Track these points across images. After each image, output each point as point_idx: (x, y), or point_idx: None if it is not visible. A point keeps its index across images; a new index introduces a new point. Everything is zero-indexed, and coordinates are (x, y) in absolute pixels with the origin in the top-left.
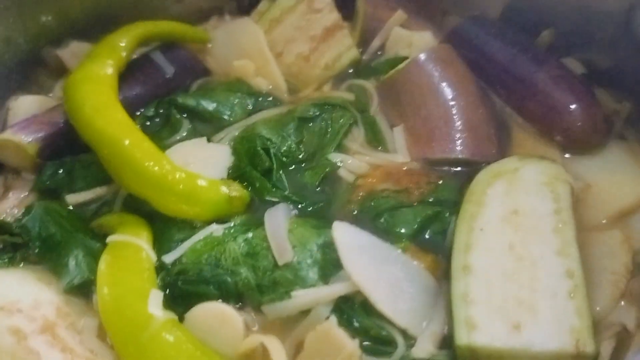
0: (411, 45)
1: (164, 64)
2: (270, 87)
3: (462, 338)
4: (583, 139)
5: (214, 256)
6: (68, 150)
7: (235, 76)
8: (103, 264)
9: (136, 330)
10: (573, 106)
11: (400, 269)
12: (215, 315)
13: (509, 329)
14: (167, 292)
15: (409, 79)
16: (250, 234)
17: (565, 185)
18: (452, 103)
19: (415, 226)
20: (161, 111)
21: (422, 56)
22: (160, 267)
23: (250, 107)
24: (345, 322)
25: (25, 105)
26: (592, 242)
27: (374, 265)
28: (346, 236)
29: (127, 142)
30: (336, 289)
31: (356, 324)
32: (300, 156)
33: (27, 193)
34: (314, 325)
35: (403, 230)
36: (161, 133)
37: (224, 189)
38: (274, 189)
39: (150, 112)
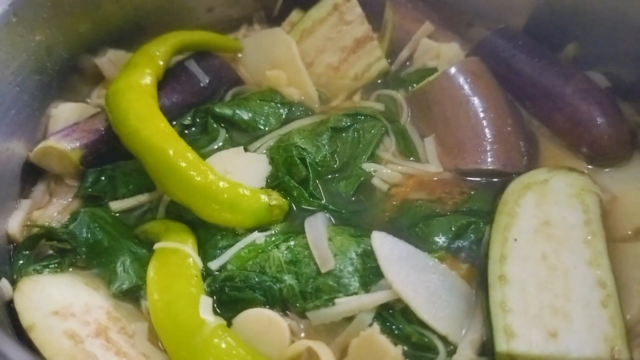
0: (439, 57)
1: (198, 73)
2: (302, 97)
3: (502, 345)
4: (609, 152)
5: (258, 263)
6: (109, 157)
7: (268, 86)
8: (152, 271)
9: (188, 335)
10: (599, 120)
11: (438, 278)
12: (261, 320)
13: (546, 336)
14: (214, 297)
15: (440, 90)
16: (292, 242)
17: (594, 197)
18: (482, 115)
19: (450, 235)
20: (198, 120)
21: (453, 69)
22: (206, 274)
23: (283, 116)
24: (387, 328)
25: (65, 112)
26: (619, 252)
27: (413, 274)
28: (385, 245)
29: (171, 151)
30: (378, 296)
31: (397, 331)
32: (335, 166)
33: (70, 199)
34: (357, 332)
35: (438, 239)
36: (199, 141)
37: (265, 198)
38: (311, 198)
39: (187, 120)
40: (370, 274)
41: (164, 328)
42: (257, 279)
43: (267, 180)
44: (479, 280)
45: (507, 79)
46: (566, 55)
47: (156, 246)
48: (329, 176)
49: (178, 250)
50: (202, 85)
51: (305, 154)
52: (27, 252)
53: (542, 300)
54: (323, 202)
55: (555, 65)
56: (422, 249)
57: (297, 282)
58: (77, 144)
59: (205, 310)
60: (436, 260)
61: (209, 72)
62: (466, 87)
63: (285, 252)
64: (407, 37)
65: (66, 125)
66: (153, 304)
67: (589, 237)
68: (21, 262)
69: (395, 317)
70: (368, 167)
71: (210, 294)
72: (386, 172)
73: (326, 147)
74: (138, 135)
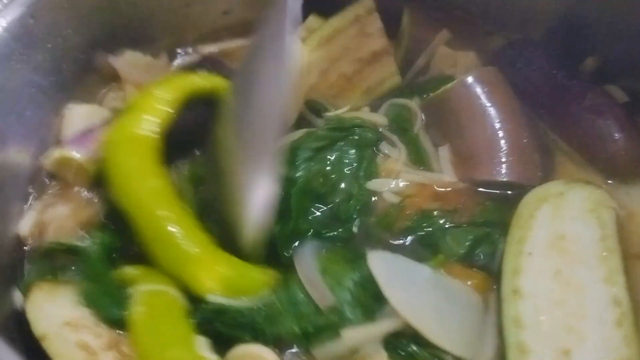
0: (456, 65)
1: None
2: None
3: None
4: (626, 168)
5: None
6: None
7: None
8: (137, 316)
9: None
10: (617, 135)
11: (447, 293)
12: (254, 358)
13: (559, 354)
14: (202, 330)
15: (456, 99)
16: (289, 286)
17: (611, 212)
18: (498, 126)
19: (467, 245)
20: None
21: (470, 77)
22: (192, 306)
23: None
24: (399, 356)
25: (79, 114)
26: (635, 270)
27: (418, 294)
28: (383, 266)
29: (161, 213)
30: (384, 326)
31: (411, 356)
32: (322, 190)
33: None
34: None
35: (453, 251)
36: None
37: (264, 277)
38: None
39: None
40: (373, 300)
41: None
42: (250, 319)
43: None
44: (494, 292)
45: (523, 90)
46: (584, 69)
47: (139, 289)
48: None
49: (163, 292)
50: None
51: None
52: (41, 260)
53: (556, 317)
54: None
55: (573, 78)
56: (434, 260)
57: (298, 323)
58: (93, 154)
59: (204, 349)
60: (442, 272)
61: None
62: (483, 96)
63: (283, 296)
64: (423, 45)
65: (79, 128)
66: (144, 351)
67: (604, 254)
68: (34, 269)
69: (407, 343)
70: (373, 185)
71: (198, 325)
72: (395, 185)
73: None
74: (126, 195)
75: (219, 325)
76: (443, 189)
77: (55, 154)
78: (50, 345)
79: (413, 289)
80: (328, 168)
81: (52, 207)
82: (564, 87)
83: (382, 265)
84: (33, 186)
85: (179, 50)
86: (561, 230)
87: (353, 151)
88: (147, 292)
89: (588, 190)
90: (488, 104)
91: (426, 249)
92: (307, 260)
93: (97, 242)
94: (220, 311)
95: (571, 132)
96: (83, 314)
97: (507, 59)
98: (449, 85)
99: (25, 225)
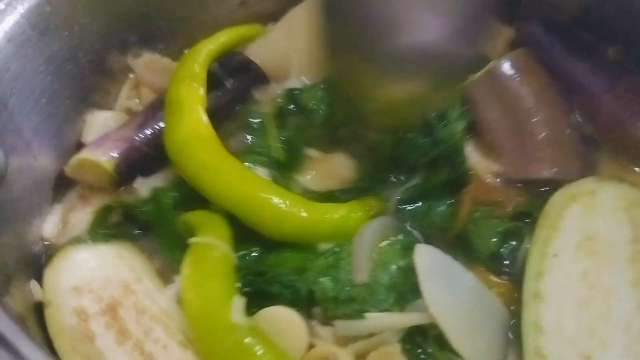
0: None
1: (220, 74)
2: None
3: None
4: None
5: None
6: (142, 164)
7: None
8: (186, 268)
9: (220, 336)
10: None
11: (479, 302)
12: (283, 320)
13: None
14: (243, 288)
15: (485, 88)
16: (338, 248)
17: None
18: (534, 116)
19: (494, 242)
20: None
21: (501, 63)
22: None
23: None
24: (416, 351)
25: (100, 120)
26: None
27: (454, 296)
28: (428, 262)
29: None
30: (411, 318)
31: (425, 356)
32: None
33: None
34: (378, 345)
35: (491, 245)
36: None
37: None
38: None
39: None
40: (410, 291)
41: (196, 327)
42: (290, 277)
43: None
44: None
45: (554, 74)
46: (613, 56)
47: (191, 241)
48: None
49: (213, 246)
50: (227, 86)
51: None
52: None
53: (580, 321)
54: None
55: (604, 65)
56: (467, 256)
57: (334, 286)
58: (110, 154)
59: (237, 312)
60: (479, 282)
61: (230, 71)
62: (514, 84)
63: (330, 257)
64: None
65: (100, 133)
66: (187, 303)
67: (636, 256)
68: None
69: (428, 341)
70: None
71: (240, 283)
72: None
73: None
74: (220, 187)
75: (260, 281)
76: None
77: (74, 158)
78: (49, 313)
79: (450, 290)
80: None
81: (74, 210)
82: (594, 75)
83: (427, 259)
84: (55, 188)
85: None
86: (590, 230)
87: None
88: (198, 244)
89: (621, 189)
90: (520, 92)
91: (466, 243)
92: (367, 235)
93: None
94: (262, 272)
95: (602, 120)
96: (94, 276)
97: (536, 42)
98: (477, 74)
99: (48, 227)
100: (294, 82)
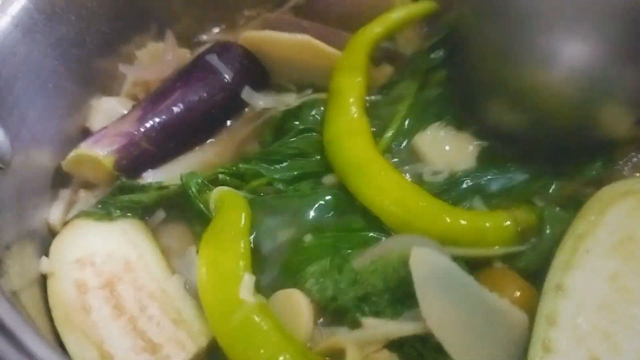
0: None
1: (221, 67)
2: None
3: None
4: None
5: None
6: (141, 160)
7: None
8: (203, 243)
9: (227, 312)
10: None
11: (484, 311)
12: (293, 301)
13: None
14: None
15: None
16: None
17: None
18: None
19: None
20: None
21: None
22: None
23: None
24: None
25: (106, 106)
26: None
27: (454, 307)
28: (426, 267)
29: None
30: (407, 328)
31: None
32: None
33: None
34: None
35: None
36: None
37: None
38: None
39: None
40: (407, 297)
41: (207, 302)
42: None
43: None
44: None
45: None
46: None
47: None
48: None
49: (230, 224)
50: (226, 80)
51: None
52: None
53: (597, 321)
54: None
55: None
56: None
57: (333, 290)
58: (109, 150)
59: (245, 289)
60: (487, 290)
61: (231, 65)
62: None
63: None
64: None
65: (103, 122)
66: (200, 277)
67: None
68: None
69: (427, 349)
70: None
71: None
72: None
73: None
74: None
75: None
76: None
77: (71, 154)
78: (51, 284)
79: (450, 299)
80: None
81: (81, 192)
82: None
83: (424, 265)
84: (61, 172)
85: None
86: (632, 231)
87: None
88: (215, 222)
89: None
90: None
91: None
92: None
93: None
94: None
95: None
96: (97, 250)
97: None
98: None
99: (55, 213)
100: None
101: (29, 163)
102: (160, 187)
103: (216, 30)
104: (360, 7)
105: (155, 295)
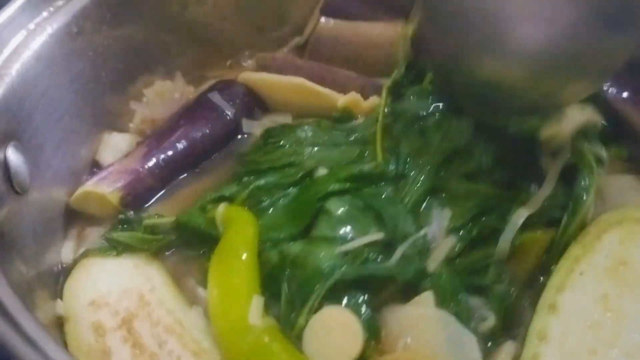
0: None
1: (223, 104)
2: None
3: None
4: None
5: None
6: (147, 196)
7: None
8: (212, 265)
9: (237, 335)
10: None
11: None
12: (339, 321)
13: None
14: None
15: None
16: None
17: None
18: None
19: None
20: None
21: None
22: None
23: None
24: None
25: (115, 141)
26: None
27: None
28: None
29: None
30: None
31: None
32: None
33: None
34: None
35: None
36: None
37: None
38: None
39: None
40: None
41: (217, 325)
42: None
43: None
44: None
45: None
46: None
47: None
48: None
49: (237, 243)
50: (228, 117)
51: None
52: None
53: (585, 338)
54: None
55: None
56: None
57: None
58: (115, 186)
59: (254, 313)
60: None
61: (232, 102)
62: None
63: None
64: None
65: (113, 154)
66: (211, 299)
67: None
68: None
69: None
70: None
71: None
72: None
73: None
74: None
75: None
76: None
77: (78, 191)
78: (69, 329)
79: None
80: None
81: (88, 227)
82: None
83: None
84: (70, 212)
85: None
86: (625, 256)
87: None
88: (223, 242)
89: None
90: None
91: None
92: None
93: None
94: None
95: None
96: (110, 289)
97: None
98: None
99: (66, 253)
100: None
101: (44, 194)
102: (163, 218)
103: (220, 68)
104: (365, 50)
105: (173, 329)
